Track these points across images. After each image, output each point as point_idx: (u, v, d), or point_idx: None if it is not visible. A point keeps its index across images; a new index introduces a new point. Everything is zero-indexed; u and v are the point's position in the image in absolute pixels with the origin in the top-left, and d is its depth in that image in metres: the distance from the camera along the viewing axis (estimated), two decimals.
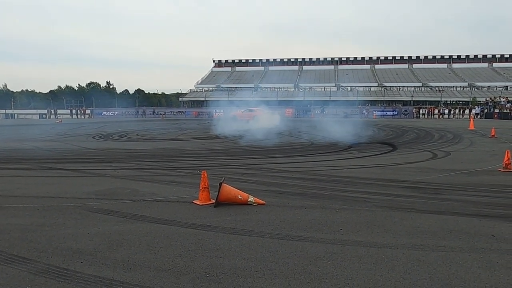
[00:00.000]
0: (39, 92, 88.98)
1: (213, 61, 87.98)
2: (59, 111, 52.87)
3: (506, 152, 8.03)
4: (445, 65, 78.14)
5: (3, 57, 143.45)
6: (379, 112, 45.54)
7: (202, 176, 5.37)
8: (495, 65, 75.84)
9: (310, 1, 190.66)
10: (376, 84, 72.65)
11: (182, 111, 54.06)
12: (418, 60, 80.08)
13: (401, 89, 70.60)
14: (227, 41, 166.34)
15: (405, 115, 44.17)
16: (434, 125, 24.59)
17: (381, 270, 3.10)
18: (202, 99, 68.97)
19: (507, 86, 64.52)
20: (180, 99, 75.33)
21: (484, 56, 77.00)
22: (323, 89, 72.72)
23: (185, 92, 77.04)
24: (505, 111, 36.03)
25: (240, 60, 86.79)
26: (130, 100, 64.24)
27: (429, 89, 69.19)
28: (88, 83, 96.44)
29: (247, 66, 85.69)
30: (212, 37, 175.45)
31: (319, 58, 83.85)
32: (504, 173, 7.77)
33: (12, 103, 60.35)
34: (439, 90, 65.48)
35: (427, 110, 46.35)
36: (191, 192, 5.95)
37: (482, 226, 4.23)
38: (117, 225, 4.38)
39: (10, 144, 15.23)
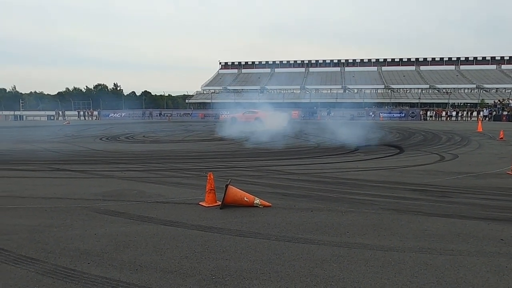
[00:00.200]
0: (47, 94, 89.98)
1: (219, 63, 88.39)
2: (67, 112, 53.50)
3: None
4: (452, 67, 77.64)
5: (12, 59, 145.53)
6: (386, 114, 45.36)
7: (208, 178, 5.38)
8: (503, 67, 75.15)
9: (314, 2, 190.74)
10: (383, 86, 72.36)
11: (189, 113, 54.35)
12: (425, 62, 79.64)
13: (408, 91, 70.24)
14: (233, 43, 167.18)
15: (412, 117, 43.95)
16: (441, 128, 24.42)
17: (388, 274, 3.08)
18: (209, 101, 69.27)
19: None
20: (187, 101, 75.71)
21: (493, 58, 76.36)
22: (329, 91, 72.65)
23: (191, 94, 77.35)
24: None
25: (246, 62, 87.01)
26: (137, 102, 64.76)
27: (436, 91, 68.76)
28: (96, 85, 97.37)
29: (253, 68, 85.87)
30: (218, 39, 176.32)
31: (325, 60, 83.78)
32: None
33: (20, 104, 61.10)
34: (447, 92, 65.05)
35: (434, 112, 46.07)
36: (197, 194, 5.97)
37: (491, 230, 4.19)
38: (123, 227, 4.41)
39: (18, 145, 15.39)
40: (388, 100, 62.67)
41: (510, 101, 40.70)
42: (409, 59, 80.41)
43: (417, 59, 79.97)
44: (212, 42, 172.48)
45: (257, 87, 72.65)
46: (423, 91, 67.72)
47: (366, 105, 53.97)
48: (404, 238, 3.95)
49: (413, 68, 79.05)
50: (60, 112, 53.27)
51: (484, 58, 77.15)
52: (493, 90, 65.66)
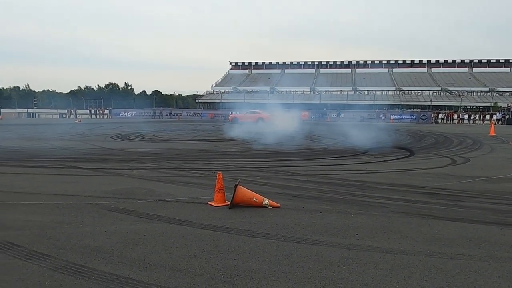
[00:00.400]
0: (60, 92, 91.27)
1: (230, 63, 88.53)
2: (78, 111, 54.08)
3: None
4: (465, 70, 76.59)
5: (26, 58, 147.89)
6: (396, 117, 44.99)
7: (217, 177, 5.40)
8: None
9: (325, 3, 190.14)
10: (393, 88, 71.71)
11: (198, 113, 54.56)
12: (437, 64, 78.73)
13: (420, 93, 69.50)
14: (243, 44, 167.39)
15: (423, 120, 43.50)
16: (453, 131, 24.13)
17: (397, 277, 3.06)
18: (218, 101, 69.46)
19: None
20: (197, 100, 76.01)
21: (506, 61, 75.06)
22: (339, 92, 72.24)
23: (201, 94, 77.65)
24: None
25: (256, 63, 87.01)
26: (148, 101, 65.22)
27: (448, 93, 67.92)
28: (107, 84, 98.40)
29: (263, 68, 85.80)
30: (229, 40, 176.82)
31: (335, 61, 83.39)
32: None
33: (33, 102, 62.00)
34: (459, 94, 64.23)
35: (446, 115, 45.51)
36: (206, 193, 5.99)
37: (503, 235, 4.13)
38: (133, 224, 4.45)
39: (31, 142, 15.63)
40: (399, 102, 62.12)
41: None
42: (420, 61, 79.58)
43: (429, 61, 79.10)
44: (223, 43, 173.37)
45: (267, 88, 72.56)
46: (435, 93, 66.99)
47: (377, 107, 53.56)
48: (414, 241, 3.91)
49: (424, 70, 78.17)
50: (72, 110, 53.89)
51: (497, 60, 75.90)
52: (507, 93, 64.65)
